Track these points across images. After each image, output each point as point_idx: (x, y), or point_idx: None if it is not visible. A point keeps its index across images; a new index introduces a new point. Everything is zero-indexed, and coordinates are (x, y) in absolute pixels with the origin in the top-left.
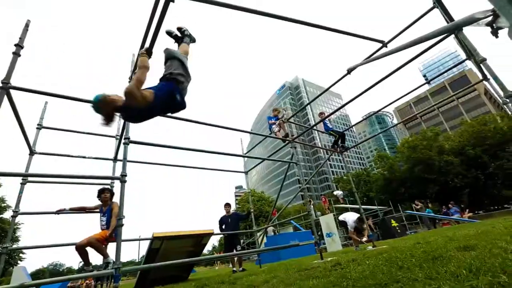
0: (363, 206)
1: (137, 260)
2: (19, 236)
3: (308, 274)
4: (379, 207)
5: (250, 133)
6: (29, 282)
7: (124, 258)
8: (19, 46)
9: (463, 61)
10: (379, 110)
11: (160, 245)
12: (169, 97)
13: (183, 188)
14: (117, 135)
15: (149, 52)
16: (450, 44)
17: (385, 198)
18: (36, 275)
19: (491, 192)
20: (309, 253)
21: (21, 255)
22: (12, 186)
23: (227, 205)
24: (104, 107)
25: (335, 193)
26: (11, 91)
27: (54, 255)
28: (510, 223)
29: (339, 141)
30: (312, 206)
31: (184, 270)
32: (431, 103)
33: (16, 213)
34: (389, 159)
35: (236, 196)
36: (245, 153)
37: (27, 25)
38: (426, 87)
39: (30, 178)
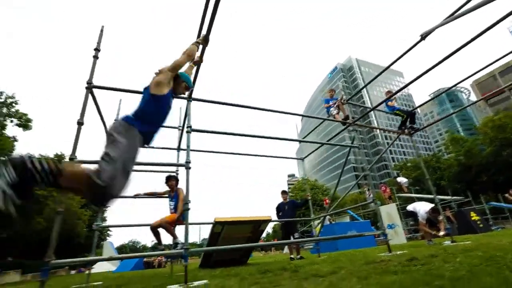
0: (435, 196)
1: (198, 242)
2: (106, 217)
3: (381, 268)
4: (453, 197)
5: (305, 116)
6: (116, 256)
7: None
8: (97, 50)
9: None
10: (454, 86)
11: (221, 230)
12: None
13: (237, 176)
14: (179, 126)
15: (206, 40)
16: None
17: (460, 187)
18: (120, 249)
19: None
20: (368, 244)
21: (108, 232)
22: None
23: (284, 193)
24: None
25: (398, 180)
26: (94, 90)
27: (133, 233)
28: None
29: (408, 121)
30: (371, 195)
31: (243, 254)
32: None
33: None
34: (466, 142)
35: (289, 184)
36: (300, 139)
37: (102, 31)
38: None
39: None
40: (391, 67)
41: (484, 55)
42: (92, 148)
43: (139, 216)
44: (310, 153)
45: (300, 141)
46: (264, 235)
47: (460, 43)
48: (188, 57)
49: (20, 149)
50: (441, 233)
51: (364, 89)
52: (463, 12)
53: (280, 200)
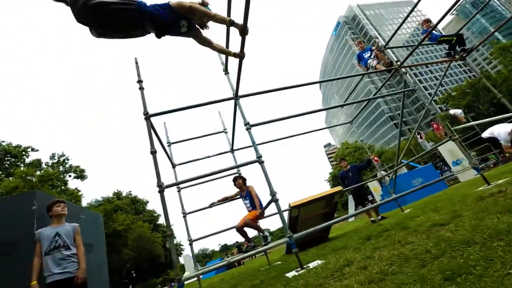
0: (499, 116)
1: (271, 230)
2: (175, 233)
3: (511, 198)
4: None
5: (341, 78)
6: (207, 268)
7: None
8: (140, 81)
9: None
10: None
11: (298, 212)
12: None
13: (278, 162)
14: (225, 129)
15: (244, 31)
16: None
17: None
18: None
19: None
20: (439, 188)
21: (181, 246)
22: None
23: (343, 160)
24: None
25: (452, 112)
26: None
27: (200, 243)
28: None
29: (456, 46)
30: (423, 139)
31: (324, 230)
32: None
33: (184, 213)
34: None
35: (327, 154)
36: (325, 107)
37: (136, 62)
38: None
39: (182, 185)
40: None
41: None
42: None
43: (205, 225)
44: (358, 113)
45: (345, 105)
46: None
47: None
48: (212, 16)
49: (86, 199)
50: None
51: (377, 32)
52: None
53: (329, 170)
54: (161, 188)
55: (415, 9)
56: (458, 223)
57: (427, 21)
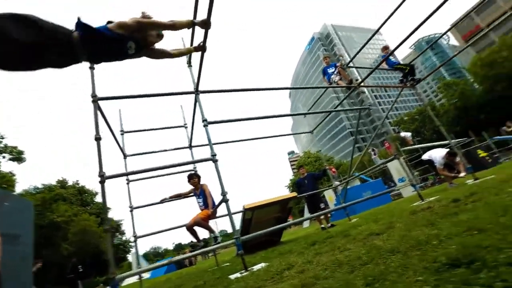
0: (441, 143)
1: (228, 231)
2: (124, 230)
3: (436, 213)
4: (456, 139)
5: (306, 88)
6: (154, 265)
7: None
8: None
9: None
10: (440, 37)
11: (252, 215)
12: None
13: (240, 163)
14: (185, 124)
15: (206, 23)
16: None
17: (460, 129)
18: (145, 257)
19: None
20: (385, 201)
21: (130, 244)
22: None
23: (301, 167)
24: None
25: (402, 134)
26: (100, 102)
27: (152, 240)
28: None
29: (409, 74)
30: (376, 155)
31: (275, 234)
32: (500, 5)
33: (131, 208)
34: (459, 85)
35: (290, 161)
36: (284, 114)
37: None
38: None
39: (131, 177)
40: (369, 26)
41: None
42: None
43: (159, 222)
44: (318, 124)
45: (307, 114)
46: None
47: None
48: (171, 26)
49: (21, 184)
50: (462, 174)
51: (347, 53)
52: None
53: (290, 176)
54: (103, 178)
55: (382, 38)
56: (390, 233)
57: (386, 47)
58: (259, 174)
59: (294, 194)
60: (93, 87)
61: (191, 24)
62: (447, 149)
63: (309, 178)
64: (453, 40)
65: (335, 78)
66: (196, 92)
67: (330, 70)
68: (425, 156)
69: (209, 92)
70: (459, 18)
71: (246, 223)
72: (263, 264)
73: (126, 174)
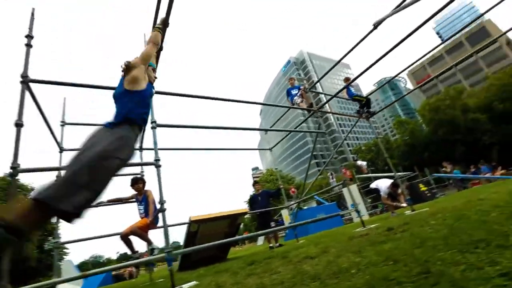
0: (388, 174)
1: (180, 243)
2: (60, 233)
3: (368, 240)
4: (403, 173)
5: (270, 105)
6: (88, 273)
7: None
8: (29, 36)
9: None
10: (393, 77)
11: (198, 228)
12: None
13: (200, 173)
14: None
15: (165, 23)
16: None
17: (408, 164)
18: (81, 267)
19: None
20: (337, 224)
21: (65, 250)
22: None
23: (256, 184)
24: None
25: (358, 163)
26: (32, 85)
27: (94, 248)
28: None
29: (365, 106)
30: (333, 179)
31: (222, 250)
32: (447, 61)
33: None
34: (410, 124)
35: (253, 177)
36: (270, 126)
37: (32, 14)
38: (441, 44)
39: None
40: (337, 59)
41: (417, 47)
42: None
43: (99, 227)
44: (278, 143)
45: (267, 130)
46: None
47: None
48: (154, 45)
49: None
50: (403, 204)
51: (318, 82)
52: (407, 3)
53: (251, 192)
54: (15, 171)
55: (351, 72)
56: (322, 258)
57: (347, 79)
58: (222, 186)
59: (245, 210)
60: (26, 65)
61: (159, 31)
62: (392, 180)
63: (263, 195)
64: (409, 85)
65: (298, 100)
66: None
67: (294, 92)
68: (372, 185)
69: (162, 94)
70: (412, 63)
71: (191, 236)
72: (193, 283)
73: (48, 170)
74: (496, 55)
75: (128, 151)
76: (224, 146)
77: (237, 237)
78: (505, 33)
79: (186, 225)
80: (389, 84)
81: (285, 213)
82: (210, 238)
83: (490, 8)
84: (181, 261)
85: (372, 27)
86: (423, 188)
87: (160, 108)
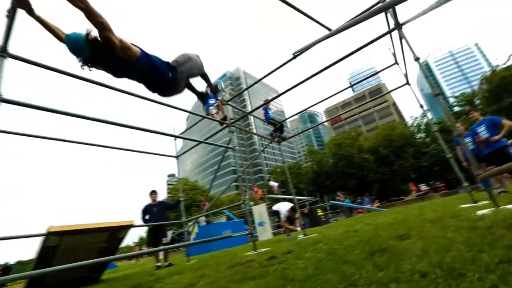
0: (296, 197)
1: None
2: None
3: (243, 272)
4: (308, 197)
5: (184, 111)
6: None
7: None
8: None
9: (390, 65)
10: (311, 106)
11: (59, 242)
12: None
13: (105, 174)
14: None
15: None
16: (381, 54)
17: (313, 189)
18: None
19: (393, 186)
20: (242, 242)
21: None
22: None
23: (153, 193)
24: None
25: (270, 183)
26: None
27: None
28: (415, 211)
29: (278, 131)
30: (247, 196)
31: (94, 269)
32: (355, 108)
33: None
34: (318, 154)
35: (168, 184)
36: (180, 133)
37: None
38: (352, 93)
39: None
40: (269, 84)
41: (334, 90)
42: None
43: None
44: (185, 152)
45: (176, 137)
46: (135, 240)
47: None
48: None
49: None
50: (297, 228)
51: (247, 100)
52: (322, 38)
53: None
54: None
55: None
56: (196, 285)
57: (267, 100)
58: (136, 191)
59: (131, 222)
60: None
61: None
62: (292, 204)
63: (159, 206)
64: (325, 119)
65: (213, 110)
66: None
67: (211, 101)
68: (274, 207)
69: (22, 60)
70: (327, 97)
71: (48, 252)
72: None
73: None
74: (386, 111)
75: None
76: (134, 145)
77: (115, 256)
78: (402, 85)
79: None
80: (310, 117)
81: (192, 226)
82: (78, 255)
83: (380, 70)
84: (29, 285)
85: (292, 56)
86: (320, 213)
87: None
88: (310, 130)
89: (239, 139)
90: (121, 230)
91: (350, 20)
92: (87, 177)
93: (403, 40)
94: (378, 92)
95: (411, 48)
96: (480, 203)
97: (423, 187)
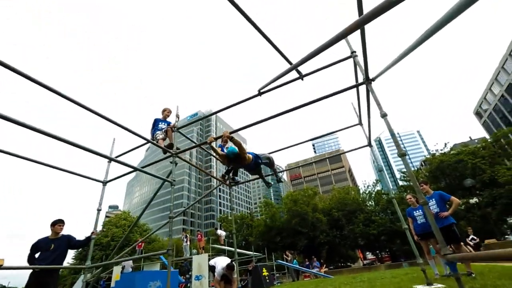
0: (240, 250)
1: None
2: None
3: None
4: (255, 253)
5: (125, 128)
6: None
7: None
8: None
9: (352, 126)
10: (274, 152)
11: None
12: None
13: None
14: None
15: None
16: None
17: (262, 244)
18: None
19: (341, 251)
20: None
21: None
22: None
23: (58, 223)
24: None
25: (218, 232)
26: None
27: None
28: (364, 285)
29: (231, 172)
30: (187, 242)
31: None
32: (314, 168)
33: None
34: (273, 208)
35: (107, 216)
36: (116, 157)
37: None
38: (313, 154)
39: None
40: (240, 133)
41: (296, 150)
42: None
43: None
44: (116, 178)
45: (111, 159)
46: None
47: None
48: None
49: None
50: None
51: (214, 134)
52: (284, 71)
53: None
54: None
55: (245, 144)
56: None
57: (212, 138)
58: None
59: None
60: None
61: None
62: (229, 260)
63: (61, 242)
64: (285, 175)
65: (160, 135)
66: None
67: (161, 125)
68: (211, 262)
69: None
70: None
71: None
72: None
73: None
74: (342, 176)
75: None
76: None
77: None
78: (362, 147)
79: None
80: (271, 170)
81: (115, 272)
82: None
83: (343, 128)
84: None
85: (257, 92)
86: (265, 272)
87: None
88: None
89: (197, 179)
90: None
91: (312, 50)
92: None
93: (371, 96)
94: (337, 158)
95: (378, 104)
96: (435, 286)
97: (369, 255)
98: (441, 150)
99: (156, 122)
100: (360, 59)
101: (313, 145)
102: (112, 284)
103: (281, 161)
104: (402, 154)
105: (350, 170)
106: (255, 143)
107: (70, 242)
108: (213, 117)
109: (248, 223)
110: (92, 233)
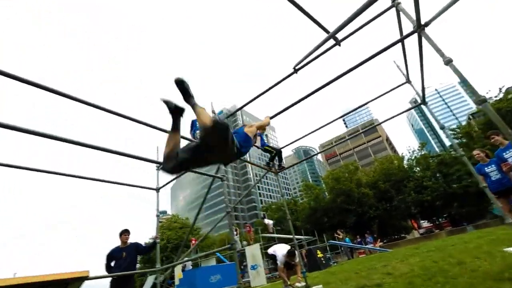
0: (287, 236)
1: None
2: None
3: None
4: (305, 236)
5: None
6: None
7: None
8: None
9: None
10: (304, 136)
11: None
12: None
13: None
14: None
15: None
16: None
17: (310, 227)
18: None
19: (393, 223)
20: (231, 284)
21: None
22: None
23: (125, 233)
24: None
25: (265, 221)
26: None
27: None
28: (436, 255)
29: (275, 159)
30: (237, 235)
31: None
32: (348, 143)
33: None
34: (315, 189)
35: (159, 221)
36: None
37: None
38: (344, 129)
39: None
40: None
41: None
42: None
43: None
44: (166, 184)
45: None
46: None
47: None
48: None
49: None
50: (297, 284)
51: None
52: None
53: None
54: None
55: (274, 133)
56: None
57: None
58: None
59: (84, 272)
60: None
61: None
62: (289, 247)
63: (130, 250)
64: (319, 156)
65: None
66: None
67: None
68: (270, 250)
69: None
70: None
71: None
72: None
73: None
74: (379, 146)
75: None
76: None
77: None
78: (410, 109)
79: None
80: (305, 154)
81: (178, 270)
82: None
83: (390, 90)
84: None
85: (293, 70)
86: (319, 254)
87: None
88: (305, 165)
89: (233, 174)
90: (69, 283)
91: (353, 13)
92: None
93: (424, 45)
94: (372, 128)
95: (439, 50)
96: None
97: (425, 223)
98: (495, 96)
99: (194, 122)
100: (405, 5)
101: (343, 120)
102: (177, 282)
103: (313, 142)
104: (442, 127)
105: (388, 139)
106: (282, 130)
107: (137, 248)
108: (239, 112)
109: (293, 208)
110: (156, 237)
